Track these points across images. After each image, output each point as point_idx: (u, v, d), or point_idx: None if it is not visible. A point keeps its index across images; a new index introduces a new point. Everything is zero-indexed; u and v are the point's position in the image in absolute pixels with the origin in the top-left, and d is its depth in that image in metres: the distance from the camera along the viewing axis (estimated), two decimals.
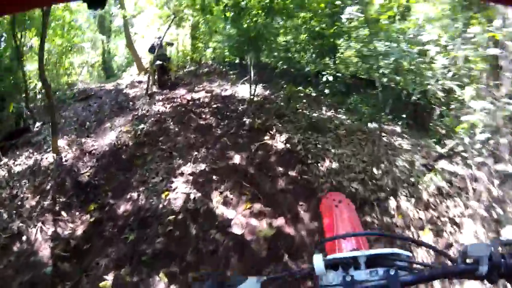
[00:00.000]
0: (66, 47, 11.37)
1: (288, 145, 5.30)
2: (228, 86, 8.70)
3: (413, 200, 4.31)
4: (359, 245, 1.26)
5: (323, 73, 6.87)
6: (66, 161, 6.19)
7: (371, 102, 6.65)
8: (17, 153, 7.04)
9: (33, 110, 8.91)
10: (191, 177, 4.73)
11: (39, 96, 10.18)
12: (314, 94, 7.19)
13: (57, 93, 10.37)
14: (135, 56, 11.97)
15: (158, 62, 9.34)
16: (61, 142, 6.74)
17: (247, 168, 4.90)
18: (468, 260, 0.79)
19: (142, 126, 6.44)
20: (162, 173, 4.99)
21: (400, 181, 4.60)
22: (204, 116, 6.69)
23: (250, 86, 7.15)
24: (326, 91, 7.02)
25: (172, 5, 8.49)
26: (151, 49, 9.80)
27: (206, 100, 7.66)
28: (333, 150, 5.26)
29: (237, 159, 5.17)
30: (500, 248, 0.78)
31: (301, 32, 8.61)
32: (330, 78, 6.72)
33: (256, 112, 6.53)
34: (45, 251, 4.19)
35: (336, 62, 9.48)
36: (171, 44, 10.53)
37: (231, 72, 10.01)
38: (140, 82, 9.34)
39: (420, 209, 4.23)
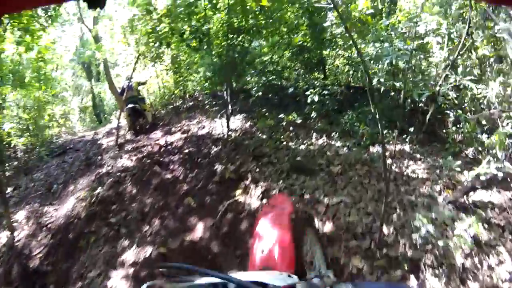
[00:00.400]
0: (44, 99, 10.65)
1: (264, 201, 4.04)
2: (207, 122, 7.63)
3: (443, 273, 2.96)
4: (271, 263, 1.21)
5: (307, 93, 5.68)
6: (18, 240, 5.30)
7: (369, 118, 5.49)
8: None
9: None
10: (132, 269, 3.56)
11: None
12: (300, 120, 5.91)
13: (37, 149, 9.59)
14: (117, 99, 11.11)
15: (129, 105, 8.40)
16: (21, 214, 5.93)
17: (209, 245, 3.75)
18: None
19: (98, 190, 5.41)
20: (101, 263, 3.89)
21: (422, 239, 3.25)
22: (172, 166, 5.63)
23: (227, 121, 6.04)
24: (314, 114, 5.81)
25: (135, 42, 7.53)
26: (121, 92, 8.92)
27: (180, 143, 6.63)
28: (325, 200, 4.02)
29: (199, 230, 4.03)
30: None
31: (282, 49, 7.61)
32: (316, 98, 5.54)
33: (231, 154, 5.42)
34: None
35: (327, 74, 8.50)
36: (142, 83, 9.59)
37: (212, 104, 9.01)
38: (119, 128, 8.35)
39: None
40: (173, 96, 10.91)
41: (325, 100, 6.02)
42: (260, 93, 5.74)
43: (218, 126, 7.03)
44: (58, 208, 5.85)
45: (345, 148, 5.40)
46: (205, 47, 7.11)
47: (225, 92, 6.64)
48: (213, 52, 8.00)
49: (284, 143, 5.47)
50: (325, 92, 5.96)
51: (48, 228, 5.38)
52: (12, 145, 9.94)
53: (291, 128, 6.12)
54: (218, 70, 8.17)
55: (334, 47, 7.91)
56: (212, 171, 5.05)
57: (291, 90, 7.61)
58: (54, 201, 6.16)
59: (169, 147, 6.61)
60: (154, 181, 5.19)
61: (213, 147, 5.88)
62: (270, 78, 7.64)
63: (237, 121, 6.97)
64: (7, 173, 8.79)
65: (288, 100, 7.89)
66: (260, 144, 5.41)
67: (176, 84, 10.85)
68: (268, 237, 1.39)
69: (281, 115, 6.15)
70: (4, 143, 9.80)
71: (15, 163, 9.54)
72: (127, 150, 6.92)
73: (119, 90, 9.30)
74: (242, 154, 5.24)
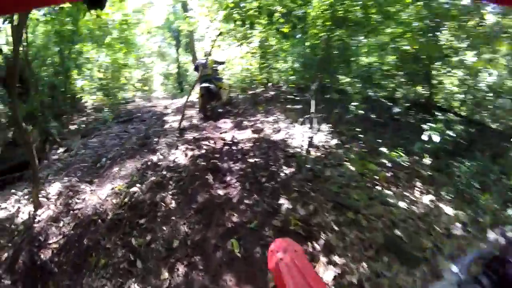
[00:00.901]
0: (122, 61, 10.21)
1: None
2: (285, 124, 6.26)
3: None
4: None
5: (424, 127, 4.01)
6: (38, 222, 4.53)
7: (493, 179, 3.81)
8: (12, 191, 5.64)
9: (61, 133, 7.62)
10: None
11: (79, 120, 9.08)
12: (405, 162, 4.19)
13: (102, 112, 9.16)
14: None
15: (203, 84, 7.43)
16: (55, 188, 5.27)
17: None
18: None
19: (135, 188, 4.39)
20: None
21: None
22: (228, 179, 4.40)
23: (311, 131, 4.62)
24: (427, 160, 4.11)
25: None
26: (196, 68, 7.93)
27: (247, 146, 5.39)
28: None
29: None
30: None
31: (388, 53, 6.03)
32: (437, 138, 3.87)
33: (305, 186, 3.99)
34: None
35: (433, 92, 6.81)
36: (220, 63, 8.47)
37: (294, 101, 7.64)
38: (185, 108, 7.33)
39: None
40: (254, 82, 9.71)
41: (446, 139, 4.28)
42: (361, 111, 4.14)
43: (297, 134, 5.63)
44: (94, 191, 4.99)
45: (458, 224, 3.67)
46: (298, 34, 5.79)
47: (312, 93, 5.21)
48: (307, 43, 6.67)
49: (380, 188, 3.84)
50: (450, 132, 4.20)
51: (74, 215, 4.54)
52: (82, 101, 9.66)
53: (389, 164, 4.45)
54: (309, 64, 6.86)
55: (448, 62, 6.73)
56: (275, 206, 3.68)
57: (394, 109, 5.96)
58: (95, 179, 5.35)
59: (234, 147, 5.39)
60: (201, 197, 3.98)
61: (284, 167, 4.50)
62: (372, 88, 6.02)
63: (321, 134, 5.48)
64: (70, 127, 8.49)
65: (389, 121, 6.19)
66: (346, 184, 3.87)
67: (260, 70, 9.64)
68: (300, 282, 1.18)
69: (382, 149, 4.50)
70: (76, 97, 9.56)
71: (82, 119, 9.26)
72: (186, 140, 5.85)
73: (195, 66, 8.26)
74: (319, 193, 3.77)
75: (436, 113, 4.70)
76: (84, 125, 8.60)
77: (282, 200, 3.73)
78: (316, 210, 3.40)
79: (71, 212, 4.64)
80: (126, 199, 4.31)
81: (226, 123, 7.23)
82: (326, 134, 5.62)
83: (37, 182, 4.85)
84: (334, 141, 5.26)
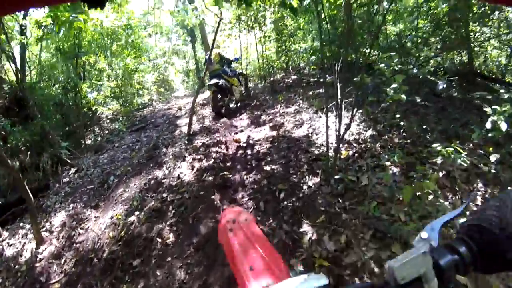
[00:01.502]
0: (132, 66, 9.68)
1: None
2: (308, 115, 5.37)
3: None
4: (274, 275, 1.05)
5: (487, 110, 2.94)
6: (40, 260, 4.12)
7: None
8: (21, 224, 5.30)
9: (74, 152, 7.20)
10: None
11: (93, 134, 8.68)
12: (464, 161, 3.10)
13: (115, 123, 8.72)
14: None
15: (211, 81, 6.75)
16: (59, 218, 4.84)
17: None
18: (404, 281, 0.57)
19: (133, 218, 3.76)
20: None
21: None
22: (238, 196, 3.61)
23: (339, 125, 3.69)
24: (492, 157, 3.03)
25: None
26: (208, 62, 7.14)
27: (264, 147, 4.61)
28: None
29: None
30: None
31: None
32: (504, 126, 2.81)
33: (334, 204, 3.08)
34: None
35: (473, 59, 5.57)
36: (232, 60, 7.62)
37: (318, 84, 6.71)
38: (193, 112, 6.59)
39: None
40: (273, 67, 8.82)
41: None
42: (403, 96, 3.12)
43: (322, 127, 4.73)
44: (97, 218, 4.45)
45: None
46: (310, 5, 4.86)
47: (336, 75, 4.25)
48: (323, 15, 5.66)
49: (431, 198, 2.83)
50: None
51: (76, 249, 4.05)
52: (97, 113, 9.25)
53: (439, 161, 3.42)
54: (328, 40, 5.85)
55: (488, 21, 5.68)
56: (296, 235, 2.81)
57: (441, 85, 4.89)
58: (101, 203, 4.84)
59: (248, 151, 4.61)
60: (204, 226, 3.23)
61: (307, 176, 3.61)
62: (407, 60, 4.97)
63: (353, 125, 4.52)
64: (86, 142, 8.10)
65: (430, 98, 5.09)
66: (390, 199, 2.91)
67: (277, 54, 8.72)
68: (251, 253, 1.16)
69: (433, 143, 3.45)
70: (89, 112, 9.17)
71: (96, 132, 8.87)
72: (195, 147, 5.14)
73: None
74: (353, 215, 2.84)
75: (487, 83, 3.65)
76: (98, 139, 8.19)
77: (304, 227, 2.87)
78: (349, 242, 2.50)
79: (74, 245, 4.15)
80: (122, 232, 3.68)
81: (242, 120, 6.45)
82: (358, 123, 4.65)
83: (35, 218, 4.40)
84: (369, 133, 4.28)
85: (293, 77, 8.71)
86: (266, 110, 6.49)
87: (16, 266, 4.22)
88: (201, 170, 4.26)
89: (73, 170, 6.43)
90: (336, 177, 3.34)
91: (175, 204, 3.72)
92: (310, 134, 4.67)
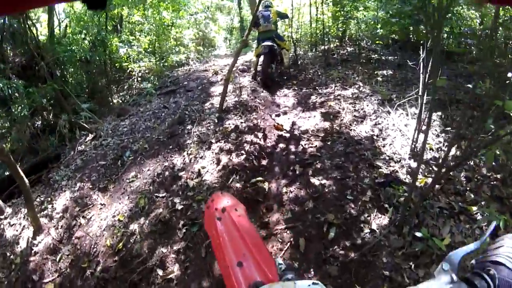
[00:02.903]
0: (169, 21, 8.65)
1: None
2: (371, 106, 4.22)
3: None
4: (264, 275, 1.00)
5: None
6: (35, 253, 3.55)
7: None
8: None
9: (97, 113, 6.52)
10: None
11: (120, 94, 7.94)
12: None
13: (145, 82, 7.89)
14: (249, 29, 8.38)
15: (266, 43, 5.78)
16: (62, 201, 4.19)
17: None
18: None
19: (135, 226, 2.95)
20: None
21: None
22: (274, 218, 2.66)
23: (418, 130, 2.57)
24: None
25: None
26: (256, 24, 6.08)
27: (314, 144, 3.58)
28: None
29: None
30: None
31: None
32: None
33: (404, 270, 2.06)
34: None
35: None
36: (284, 16, 6.54)
37: (387, 64, 5.43)
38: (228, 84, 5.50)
39: None
40: (327, 35, 7.46)
41: None
42: None
43: (392, 129, 3.56)
44: (103, 207, 3.71)
45: None
46: None
47: (422, 57, 3.05)
48: None
49: None
50: None
51: (73, 245, 3.40)
52: (128, 71, 8.44)
53: None
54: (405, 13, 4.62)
55: None
56: None
57: None
58: (110, 186, 4.12)
59: (292, 147, 3.61)
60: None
61: (371, 208, 2.54)
62: None
63: (432, 135, 3.34)
64: (115, 100, 7.41)
65: None
66: None
67: (334, 20, 7.31)
68: (240, 247, 1.09)
69: None
70: (120, 69, 8.40)
71: (123, 93, 8.13)
72: (225, 131, 4.17)
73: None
74: None
75: None
76: (123, 101, 7.42)
77: None
78: None
79: (72, 239, 3.48)
80: (120, 244, 2.86)
81: (287, 97, 5.37)
82: (438, 132, 3.44)
83: (31, 204, 3.77)
84: (452, 151, 3.06)
85: (349, 49, 7.33)
86: (317, 88, 5.33)
87: (12, 256, 3.70)
88: (228, 169, 3.29)
89: (90, 136, 5.72)
90: (413, 222, 2.26)
91: (187, 219, 2.81)
92: (375, 137, 3.52)
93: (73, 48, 6.83)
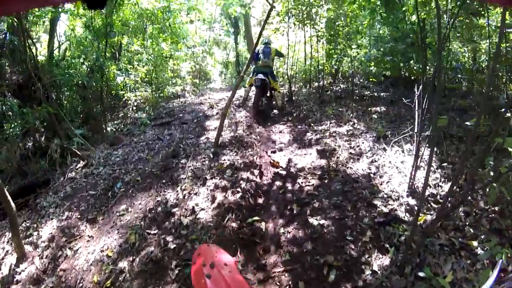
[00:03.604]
0: (167, 52, 8.83)
1: None
2: (367, 143, 4.32)
3: None
4: None
5: None
6: (17, 281, 3.38)
7: None
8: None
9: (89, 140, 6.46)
10: None
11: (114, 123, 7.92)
12: None
13: (140, 112, 7.92)
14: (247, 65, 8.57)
15: (259, 76, 6.12)
16: (49, 229, 4.03)
17: None
18: None
19: (124, 264, 2.89)
20: None
21: None
22: (270, 260, 2.67)
23: (415, 167, 2.64)
24: None
25: None
26: (255, 56, 6.37)
27: (311, 183, 3.63)
28: None
29: None
30: None
31: None
32: None
33: None
34: None
35: None
36: (280, 55, 6.86)
37: (379, 98, 5.63)
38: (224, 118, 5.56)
39: None
40: (321, 72, 7.69)
41: None
42: None
43: (389, 167, 3.63)
44: (91, 239, 3.59)
45: None
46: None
47: (416, 97, 3.17)
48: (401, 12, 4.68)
49: None
50: None
51: (58, 278, 3.23)
52: (124, 99, 8.47)
53: None
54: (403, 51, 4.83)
55: None
56: None
57: None
58: (99, 217, 4.01)
59: (289, 185, 3.63)
60: None
61: (371, 248, 2.56)
62: None
63: (434, 171, 3.41)
64: (109, 128, 7.35)
65: None
66: None
67: (328, 57, 7.57)
68: None
69: None
70: (115, 97, 8.44)
71: (117, 121, 8.10)
72: (220, 167, 4.16)
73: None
74: None
75: None
76: (117, 129, 7.39)
77: None
78: None
79: (56, 271, 3.34)
80: (108, 282, 2.76)
81: (282, 134, 5.44)
82: (434, 168, 3.50)
83: (17, 230, 3.63)
84: (447, 186, 3.13)
85: (342, 85, 7.57)
86: (312, 124, 5.44)
87: None
88: (224, 208, 3.26)
89: (81, 163, 5.63)
90: (414, 262, 2.26)
91: (180, 259, 2.75)
92: (372, 175, 3.57)
93: (71, 71, 6.88)
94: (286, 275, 2.48)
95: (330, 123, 5.31)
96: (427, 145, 3.58)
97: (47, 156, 5.72)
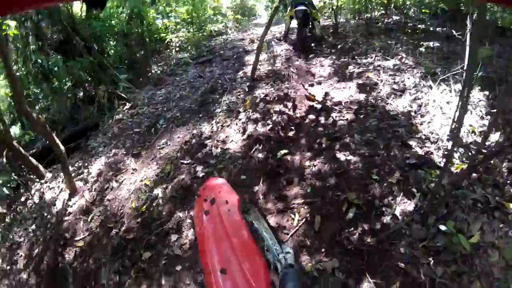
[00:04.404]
0: None
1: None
2: (413, 79, 3.89)
3: None
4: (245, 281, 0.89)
5: None
6: (69, 214, 3.74)
7: None
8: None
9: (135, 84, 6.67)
10: None
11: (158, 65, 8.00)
12: None
13: (183, 53, 7.92)
14: None
15: (300, 8, 5.76)
16: (98, 165, 4.39)
17: None
18: None
19: (159, 191, 3.01)
20: None
21: None
22: (292, 191, 2.59)
23: (463, 109, 2.30)
24: None
25: None
26: None
27: (344, 118, 3.42)
28: None
29: None
30: None
31: None
32: None
33: (422, 265, 1.93)
34: None
35: None
36: None
37: (433, 33, 4.97)
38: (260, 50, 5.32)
39: None
40: (371, 2, 6.95)
41: None
42: None
43: (433, 106, 3.26)
44: (135, 171, 3.81)
45: None
46: None
47: (467, 31, 2.69)
48: None
49: None
50: None
51: (104, 207, 3.55)
52: (166, 41, 8.50)
53: None
54: None
55: None
56: None
57: None
58: (143, 152, 4.25)
59: (322, 119, 3.46)
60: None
61: (397, 190, 2.36)
62: None
63: (475, 116, 3.01)
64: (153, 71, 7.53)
65: None
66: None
67: None
68: (225, 250, 1.00)
69: None
70: (157, 40, 8.48)
71: (161, 63, 8.21)
72: (254, 99, 4.04)
73: None
74: None
75: None
76: (161, 71, 7.51)
77: None
78: None
79: (103, 201, 3.64)
80: (144, 207, 2.94)
81: (323, 67, 5.11)
82: (482, 114, 3.07)
83: (67, 169, 4.00)
84: (496, 136, 2.71)
85: (395, 17, 6.79)
86: (356, 57, 5.02)
87: (48, 216, 3.96)
88: (253, 139, 3.21)
89: (128, 105, 5.88)
90: (440, 213, 2.04)
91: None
92: (413, 113, 3.25)
93: (111, 22, 6.96)
94: (305, 207, 2.44)
95: (376, 56, 4.86)
96: (478, 86, 3.13)
97: (96, 102, 6.02)
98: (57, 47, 6.09)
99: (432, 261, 1.91)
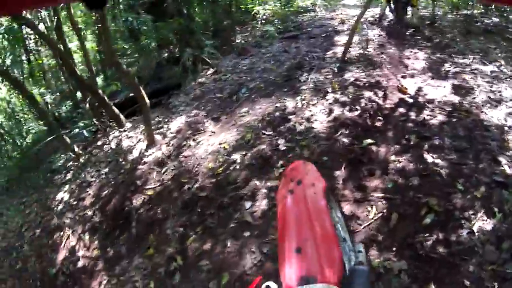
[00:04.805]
0: None
1: None
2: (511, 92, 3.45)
3: None
4: (321, 272, 0.87)
5: None
6: (144, 163, 3.98)
7: None
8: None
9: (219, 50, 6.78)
10: None
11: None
12: None
13: (266, 27, 7.86)
14: None
15: None
16: (177, 123, 4.55)
17: None
18: None
19: (237, 156, 3.03)
20: None
21: None
22: (372, 183, 2.50)
23: None
24: None
25: None
26: None
27: (436, 118, 3.13)
28: None
29: None
30: None
31: None
32: None
33: None
34: None
35: None
36: None
37: None
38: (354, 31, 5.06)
39: None
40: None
41: None
42: None
43: None
44: (213, 134, 3.91)
45: None
46: None
47: None
48: None
49: None
50: None
51: (179, 162, 3.68)
52: (253, 12, 8.48)
53: None
54: None
55: None
56: None
57: None
58: (223, 116, 4.31)
59: (412, 114, 3.19)
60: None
61: (478, 206, 2.19)
62: None
63: None
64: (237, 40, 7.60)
65: None
66: None
67: None
68: (304, 231, 0.97)
69: None
70: (244, 10, 8.48)
71: (246, 34, 8.23)
72: (343, 82, 3.89)
73: None
74: None
75: None
76: (246, 41, 7.52)
77: None
78: None
79: (179, 157, 3.78)
80: (220, 169, 3.00)
81: (417, 59, 4.71)
82: None
83: (149, 121, 4.22)
84: None
85: (495, 19, 6.05)
86: (453, 56, 4.57)
87: (123, 162, 4.23)
88: (339, 123, 3.09)
89: (211, 71, 6.02)
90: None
91: (286, 160, 2.78)
92: (506, 128, 2.90)
93: None
94: (383, 202, 2.32)
95: (474, 59, 4.40)
96: None
97: (180, 63, 6.22)
98: (148, 8, 6.34)
99: (497, 286, 1.78)
